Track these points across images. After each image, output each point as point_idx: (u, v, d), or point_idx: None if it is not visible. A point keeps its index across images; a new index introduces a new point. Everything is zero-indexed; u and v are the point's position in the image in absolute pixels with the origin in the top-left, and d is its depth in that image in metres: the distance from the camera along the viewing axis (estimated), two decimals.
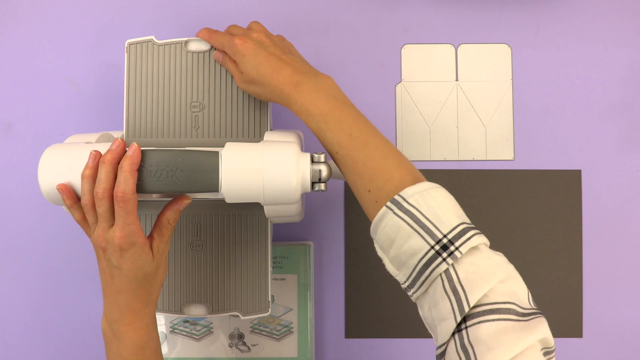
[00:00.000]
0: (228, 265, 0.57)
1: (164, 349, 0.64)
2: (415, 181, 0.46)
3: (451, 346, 0.41)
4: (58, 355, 0.69)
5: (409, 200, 0.44)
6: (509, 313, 0.40)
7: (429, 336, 0.45)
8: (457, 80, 0.64)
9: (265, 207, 0.53)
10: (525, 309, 0.41)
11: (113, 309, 0.49)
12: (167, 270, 0.52)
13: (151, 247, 0.48)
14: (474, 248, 0.42)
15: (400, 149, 0.63)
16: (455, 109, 0.64)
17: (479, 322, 0.40)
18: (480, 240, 0.43)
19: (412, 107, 0.64)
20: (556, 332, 0.41)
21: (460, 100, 0.64)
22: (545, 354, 0.40)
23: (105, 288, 0.49)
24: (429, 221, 0.43)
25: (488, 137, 0.65)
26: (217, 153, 0.48)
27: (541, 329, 0.40)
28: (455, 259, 0.42)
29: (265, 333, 0.63)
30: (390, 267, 0.46)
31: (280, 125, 0.70)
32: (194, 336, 0.64)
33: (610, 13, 0.71)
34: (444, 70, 0.65)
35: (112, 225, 0.46)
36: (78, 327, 0.69)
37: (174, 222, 0.50)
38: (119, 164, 0.46)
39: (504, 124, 0.66)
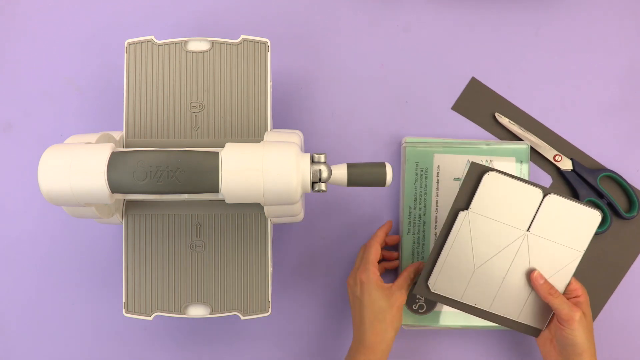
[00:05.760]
0: (228, 265, 0.58)
1: None
2: None
3: None
4: (58, 355, 0.69)
5: None
6: None
7: None
8: (528, 230, 0.58)
9: (265, 208, 0.53)
10: None
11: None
12: (401, 320, 0.62)
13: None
14: None
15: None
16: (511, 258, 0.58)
17: None
18: None
19: (466, 239, 0.58)
20: None
21: (521, 251, 0.58)
22: None
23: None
24: None
25: (529, 300, 0.59)
26: (217, 153, 0.48)
27: None
28: None
29: None
30: None
31: (280, 125, 0.70)
32: None
33: (610, 13, 0.71)
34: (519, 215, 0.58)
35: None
36: (78, 327, 0.69)
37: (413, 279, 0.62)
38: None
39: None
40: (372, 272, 0.60)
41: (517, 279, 0.59)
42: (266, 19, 0.71)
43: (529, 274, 0.59)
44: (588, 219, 0.58)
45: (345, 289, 0.69)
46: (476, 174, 0.58)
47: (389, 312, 0.59)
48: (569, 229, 0.58)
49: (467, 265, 0.59)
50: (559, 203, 0.57)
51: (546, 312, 0.60)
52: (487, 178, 0.57)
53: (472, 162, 0.58)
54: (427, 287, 0.60)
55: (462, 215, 0.58)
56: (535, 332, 0.61)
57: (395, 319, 0.60)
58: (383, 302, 0.59)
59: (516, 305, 0.60)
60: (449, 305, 0.60)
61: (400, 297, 0.60)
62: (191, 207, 0.58)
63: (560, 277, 0.59)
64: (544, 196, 0.57)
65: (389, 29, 0.71)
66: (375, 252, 0.62)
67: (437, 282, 0.59)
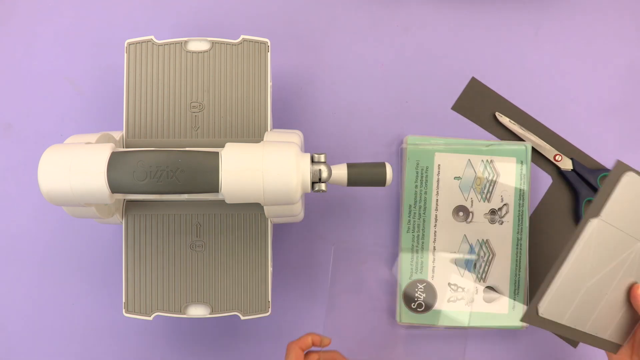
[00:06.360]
0: (228, 265, 0.58)
1: None
2: None
3: None
4: (58, 355, 0.69)
5: None
6: None
7: None
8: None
9: (265, 208, 0.53)
10: None
11: None
12: None
13: None
14: None
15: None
16: None
17: None
18: None
19: None
20: None
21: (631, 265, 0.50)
22: None
23: None
24: None
25: (621, 316, 0.53)
26: (217, 153, 0.48)
27: None
28: None
29: None
30: None
31: (280, 125, 0.70)
32: None
33: (610, 13, 0.71)
34: None
35: None
36: (78, 327, 0.69)
37: None
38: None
39: None
40: None
41: (618, 295, 0.52)
42: (266, 19, 0.71)
43: (630, 288, 0.52)
44: None
45: None
46: (619, 176, 0.48)
47: None
48: None
49: (579, 283, 0.50)
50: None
51: (630, 326, 0.55)
52: (626, 179, 0.47)
53: (618, 160, 0.47)
54: (537, 311, 0.50)
55: (592, 223, 0.48)
56: (615, 347, 0.55)
57: None
58: None
59: (608, 322, 0.53)
60: (549, 330, 0.53)
61: None
62: (191, 207, 0.58)
63: None
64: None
65: (389, 29, 0.71)
66: (294, 356, 0.56)
67: (548, 306, 0.50)
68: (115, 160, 0.47)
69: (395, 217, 0.69)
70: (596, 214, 0.48)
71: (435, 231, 0.68)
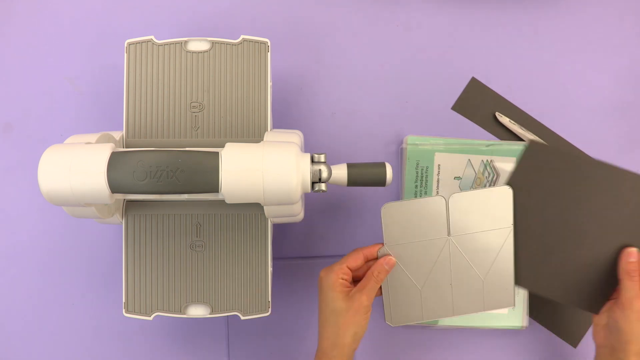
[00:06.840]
0: (228, 265, 0.58)
1: None
2: None
3: None
4: (58, 355, 0.69)
5: None
6: None
7: None
8: (449, 235, 0.57)
9: (265, 207, 0.53)
10: None
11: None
12: (364, 327, 0.56)
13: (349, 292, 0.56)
14: None
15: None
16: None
17: None
18: None
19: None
20: None
21: (454, 254, 0.58)
22: None
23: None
24: None
25: (486, 286, 0.59)
26: (217, 153, 0.48)
27: None
28: None
29: None
30: None
31: (280, 125, 0.70)
32: None
33: (610, 12, 0.71)
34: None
35: None
36: (78, 327, 0.69)
37: (381, 280, 0.56)
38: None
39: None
40: (334, 271, 0.56)
41: (465, 278, 0.58)
42: (266, 19, 0.71)
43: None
44: (501, 196, 0.57)
45: None
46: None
47: (343, 315, 0.54)
48: (488, 214, 0.57)
49: (412, 290, 0.59)
50: (465, 197, 0.57)
51: (506, 287, 0.59)
52: (384, 211, 0.57)
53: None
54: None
55: (380, 251, 0.58)
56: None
57: (351, 323, 0.54)
58: (339, 304, 0.55)
59: (477, 296, 0.59)
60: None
61: (359, 299, 0.54)
62: (191, 207, 0.58)
63: (503, 259, 0.58)
64: (447, 199, 0.57)
65: (388, 29, 0.71)
66: (353, 257, 0.57)
67: (394, 316, 0.59)
68: (115, 160, 0.47)
69: None
70: (383, 243, 0.58)
71: None
